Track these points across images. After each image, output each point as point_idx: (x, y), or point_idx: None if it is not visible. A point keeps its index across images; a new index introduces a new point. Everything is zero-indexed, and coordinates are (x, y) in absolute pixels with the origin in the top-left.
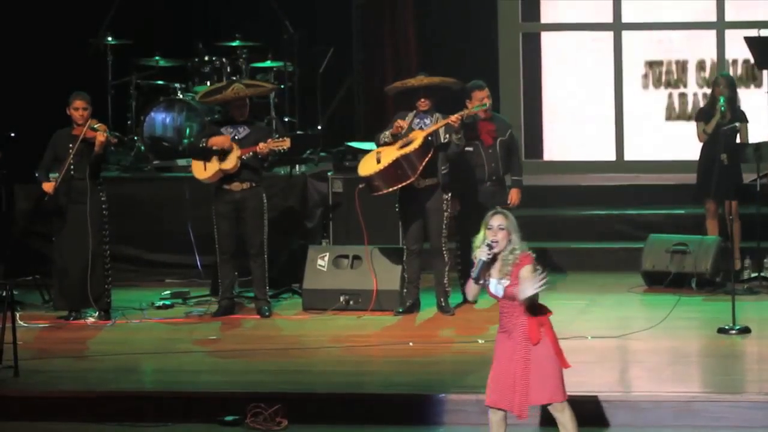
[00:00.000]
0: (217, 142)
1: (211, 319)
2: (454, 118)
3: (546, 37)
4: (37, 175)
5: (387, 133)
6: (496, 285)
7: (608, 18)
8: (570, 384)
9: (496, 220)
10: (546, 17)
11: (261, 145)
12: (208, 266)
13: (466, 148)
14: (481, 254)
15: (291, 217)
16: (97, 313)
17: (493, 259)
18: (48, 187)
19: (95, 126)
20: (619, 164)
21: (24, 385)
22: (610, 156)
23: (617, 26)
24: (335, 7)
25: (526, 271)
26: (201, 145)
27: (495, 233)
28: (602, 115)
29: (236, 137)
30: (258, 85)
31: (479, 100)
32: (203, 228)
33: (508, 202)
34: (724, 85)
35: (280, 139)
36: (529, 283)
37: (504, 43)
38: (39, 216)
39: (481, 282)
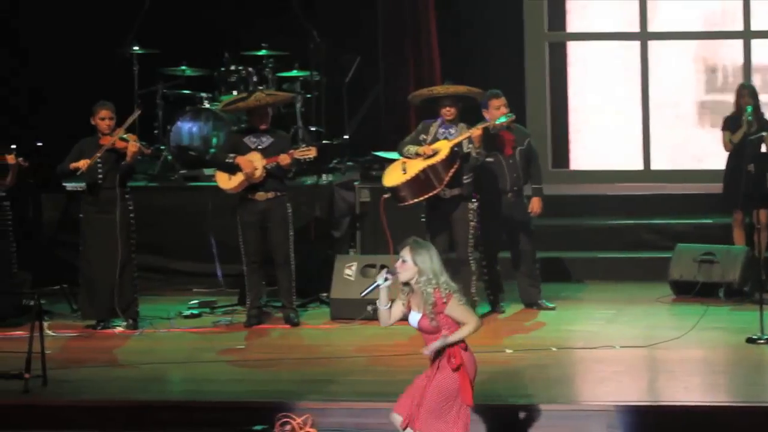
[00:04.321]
0: (243, 164)
1: (238, 328)
2: (478, 129)
3: (572, 47)
4: (57, 170)
5: (412, 149)
6: (413, 316)
7: (635, 27)
8: (599, 393)
9: (404, 252)
10: (572, 27)
11: (285, 155)
12: (231, 276)
13: (487, 159)
14: (378, 277)
15: (318, 226)
16: (125, 322)
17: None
18: (82, 163)
19: (125, 136)
20: (646, 173)
21: (52, 394)
22: (638, 165)
23: (644, 36)
24: (361, 17)
25: (455, 306)
26: (228, 161)
27: (399, 264)
28: (629, 124)
29: (259, 146)
30: (279, 94)
31: (496, 109)
32: (227, 237)
33: (530, 211)
34: (747, 94)
35: (306, 148)
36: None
37: (530, 53)
38: (66, 225)
39: (385, 307)
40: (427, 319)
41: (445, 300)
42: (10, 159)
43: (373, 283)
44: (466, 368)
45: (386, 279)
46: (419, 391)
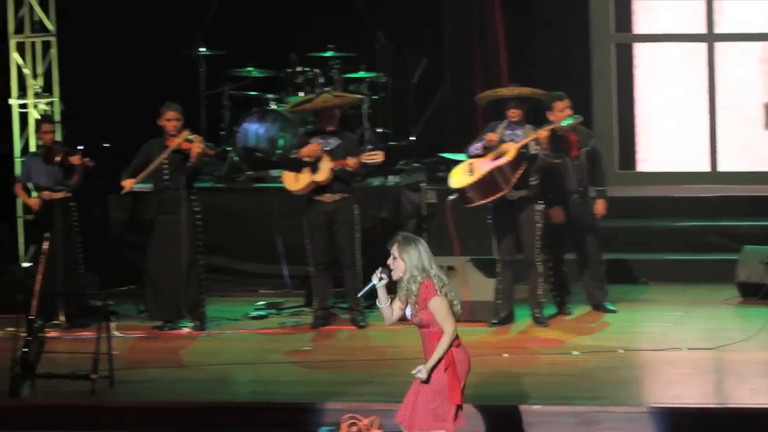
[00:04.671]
0: (306, 152)
1: (305, 329)
2: (544, 131)
3: (639, 48)
4: (121, 176)
5: (478, 145)
6: (407, 311)
7: (701, 29)
8: (666, 396)
9: (393, 249)
10: (639, 28)
11: (352, 158)
12: (298, 277)
13: (553, 161)
14: (373, 277)
15: (384, 227)
16: (192, 323)
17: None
18: (127, 183)
19: (190, 137)
20: (713, 175)
21: (119, 395)
22: (704, 167)
23: (710, 37)
24: (427, 18)
25: (435, 305)
26: (291, 157)
27: (392, 261)
28: (696, 125)
29: (326, 148)
30: (347, 96)
31: (561, 111)
32: (294, 239)
33: (595, 213)
34: None
35: (374, 152)
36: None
37: (596, 54)
38: (133, 226)
39: (385, 305)
40: (417, 313)
41: (425, 297)
42: (75, 160)
43: (368, 285)
44: (456, 367)
45: (381, 278)
46: (413, 396)
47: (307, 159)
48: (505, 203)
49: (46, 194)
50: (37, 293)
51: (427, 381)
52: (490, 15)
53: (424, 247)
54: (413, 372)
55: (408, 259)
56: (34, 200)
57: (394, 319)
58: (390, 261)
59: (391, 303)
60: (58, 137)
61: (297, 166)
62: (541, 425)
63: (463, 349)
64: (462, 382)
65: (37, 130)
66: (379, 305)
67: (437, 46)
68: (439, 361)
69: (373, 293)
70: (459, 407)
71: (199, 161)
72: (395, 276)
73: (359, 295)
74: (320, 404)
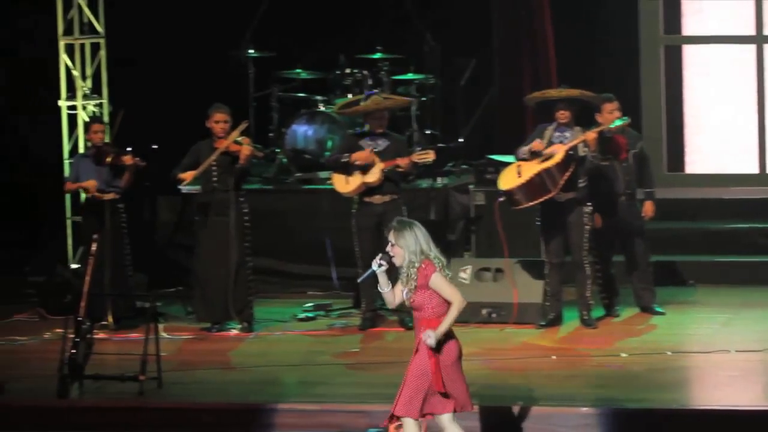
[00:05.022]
0: (360, 157)
1: (353, 331)
2: (593, 133)
3: (688, 50)
4: (171, 174)
5: (526, 149)
6: (406, 294)
7: (751, 30)
8: (713, 398)
9: (391, 236)
10: (688, 30)
11: (404, 158)
12: (346, 279)
13: (602, 163)
14: (373, 263)
15: (433, 229)
16: (240, 325)
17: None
18: (187, 175)
19: (239, 139)
20: (762, 177)
21: (167, 396)
22: (753, 169)
23: (759, 39)
24: (476, 20)
25: (437, 282)
26: (343, 161)
27: (391, 248)
28: (744, 127)
29: (375, 149)
30: (397, 98)
31: (609, 113)
32: (343, 240)
33: (643, 215)
34: None
35: (425, 151)
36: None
37: (645, 56)
38: (182, 228)
39: (386, 289)
40: (415, 295)
41: (426, 275)
42: (128, 160)
43: (368, 271)
44: (442, 354)
45: (380, 265)
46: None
47: (359, 164)
48: (553, 205)
49: (96, 195)
50: (86, 295)
51: (437, 350)
52: (539, 16)
53: (420, 231)
54: (423, 336)
55: (405, 245)
56: (90, 182)
57: (396, 302)
58: (389, 248)
59: (393, 287)
60: (108, 138)
61: (348, 168)
62: (588, 427)
63: (452, 337)
64: (449, 369)
65: (87, 131)
66: (380, 290)
67: (486, 48)
68: (448, 330)
69: (375, 279)
70: (444, 394)
71: (248, 163)
72: (397, 263)
73: (359, 280)
74: (368, 406)
